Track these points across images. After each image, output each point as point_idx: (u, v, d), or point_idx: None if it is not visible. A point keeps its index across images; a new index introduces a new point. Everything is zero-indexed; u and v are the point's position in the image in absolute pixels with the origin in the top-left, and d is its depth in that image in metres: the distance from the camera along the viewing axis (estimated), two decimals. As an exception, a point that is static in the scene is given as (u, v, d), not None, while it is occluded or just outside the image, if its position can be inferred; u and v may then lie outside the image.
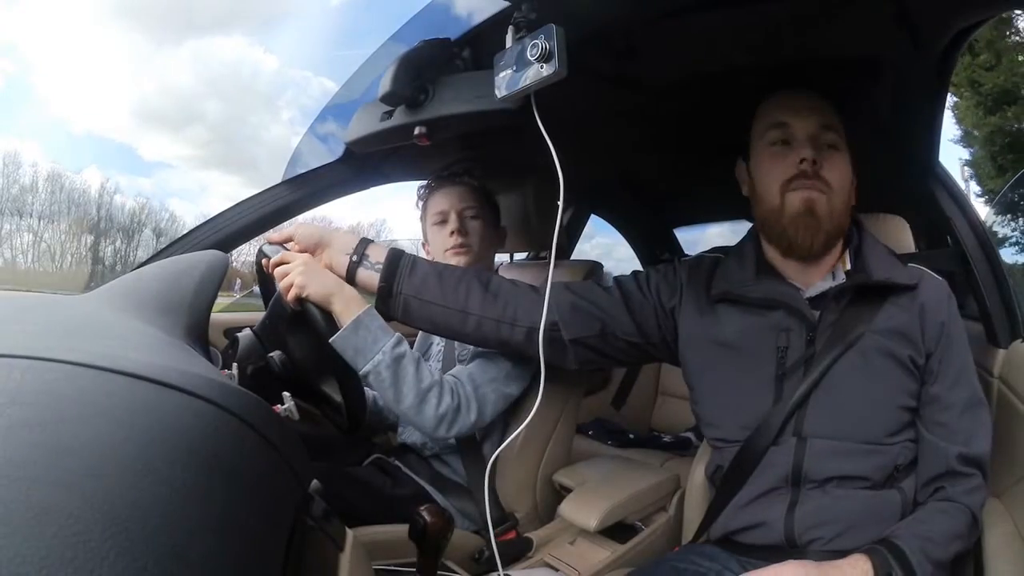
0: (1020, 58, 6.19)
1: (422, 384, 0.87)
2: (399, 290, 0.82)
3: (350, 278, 0.84)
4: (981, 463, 0.71)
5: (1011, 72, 6.36)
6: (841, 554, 0.65)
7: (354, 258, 0.84)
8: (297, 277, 0.79)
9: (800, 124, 0.76)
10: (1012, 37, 6.45)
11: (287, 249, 0.86)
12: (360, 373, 0.83)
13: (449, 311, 0.82)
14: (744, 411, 0.76)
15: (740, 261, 0.81)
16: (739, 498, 0.75)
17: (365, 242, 0.86)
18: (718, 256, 0.85)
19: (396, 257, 0.84)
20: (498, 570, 0.77)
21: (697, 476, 0.92)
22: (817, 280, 0.77)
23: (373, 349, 0.83)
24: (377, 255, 0.84)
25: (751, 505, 0.74)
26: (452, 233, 1.07)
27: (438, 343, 1.15)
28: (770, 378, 0.75)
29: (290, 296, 0.80)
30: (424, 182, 1.17)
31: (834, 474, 0.70)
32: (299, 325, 0.85)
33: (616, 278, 0.87)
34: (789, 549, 0.70)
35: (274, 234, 0.90)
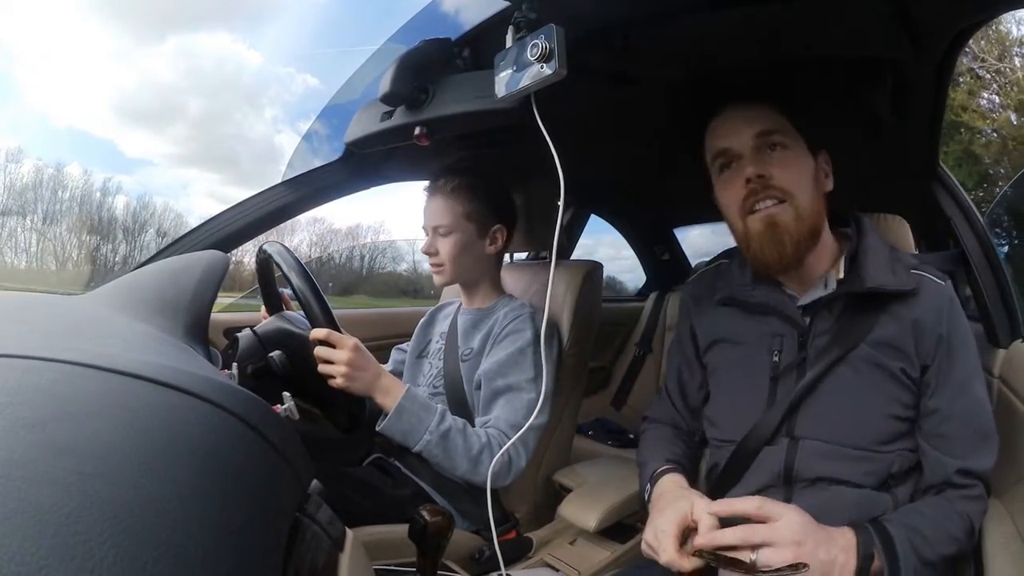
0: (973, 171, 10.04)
1: (472, 451, 0.92)
2: None
3: None
4: (983, 476, 0.70)
5: (967, 177, 9.92)
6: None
7: None
8: (341, 380, 0.84)
9: (736, 142, 0.75)
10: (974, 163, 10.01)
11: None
12: (413, 451, 0.90)
13: None
14: (741, 411, 0.78)
15: (741, 266, 0.83)
16: (733, 494, 0.75)
17: None
18: (722, 261, 0.88)
19: None
20: (498, 570, 0.78)
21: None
22: (810, 287, 0.77)
23: (420, 430, 0.89)
24: None
25: None
26: (425, 251, 1.08)
27: (437, 340, 1.15)
28: (765, 380, 0.77)
29: (332, 383, 0.85)
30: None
31: (824, 475, 0.71)
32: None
33: (673, 368, 0.92)
34: None
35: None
